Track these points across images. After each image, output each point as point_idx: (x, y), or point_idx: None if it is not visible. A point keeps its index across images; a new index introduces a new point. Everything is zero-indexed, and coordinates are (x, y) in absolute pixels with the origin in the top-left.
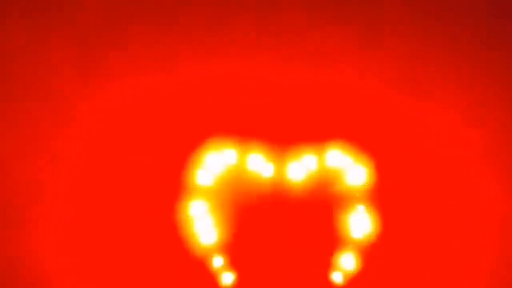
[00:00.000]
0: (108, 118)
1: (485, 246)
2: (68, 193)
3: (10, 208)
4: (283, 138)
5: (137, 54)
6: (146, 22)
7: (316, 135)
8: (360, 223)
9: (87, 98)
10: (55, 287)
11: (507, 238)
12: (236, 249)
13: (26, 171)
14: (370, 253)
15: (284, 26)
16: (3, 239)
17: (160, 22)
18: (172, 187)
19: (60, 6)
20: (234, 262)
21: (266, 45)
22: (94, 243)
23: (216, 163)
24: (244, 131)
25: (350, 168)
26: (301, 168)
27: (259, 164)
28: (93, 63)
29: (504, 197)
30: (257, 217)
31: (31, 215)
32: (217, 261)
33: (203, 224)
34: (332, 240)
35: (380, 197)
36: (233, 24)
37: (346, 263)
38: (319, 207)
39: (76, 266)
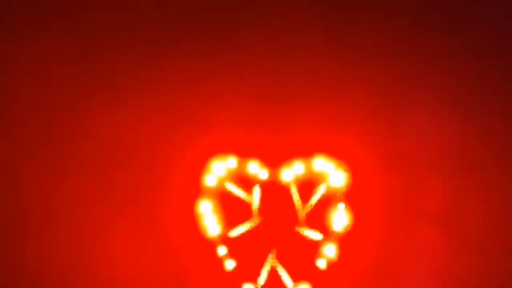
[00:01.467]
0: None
1: (434, 233)
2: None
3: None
4: (279, 150)
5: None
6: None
7: (305, 147)
8: (339, 218)
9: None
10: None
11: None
12: (235, 241)
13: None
14: (348, 243)
15: (278, 65)
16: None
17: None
18: (190, 189)
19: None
20: (234, 252)
21: (262, 89)
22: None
23: (221, 169)
24: (248, 148)
25: (332, 173)
26: (291, 172)
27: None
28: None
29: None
30: (254, 213)
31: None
32: (221, 250)
33: (210, 219)
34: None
35: (356, 196)
36: (235, 68)
37: (329, 251)
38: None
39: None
